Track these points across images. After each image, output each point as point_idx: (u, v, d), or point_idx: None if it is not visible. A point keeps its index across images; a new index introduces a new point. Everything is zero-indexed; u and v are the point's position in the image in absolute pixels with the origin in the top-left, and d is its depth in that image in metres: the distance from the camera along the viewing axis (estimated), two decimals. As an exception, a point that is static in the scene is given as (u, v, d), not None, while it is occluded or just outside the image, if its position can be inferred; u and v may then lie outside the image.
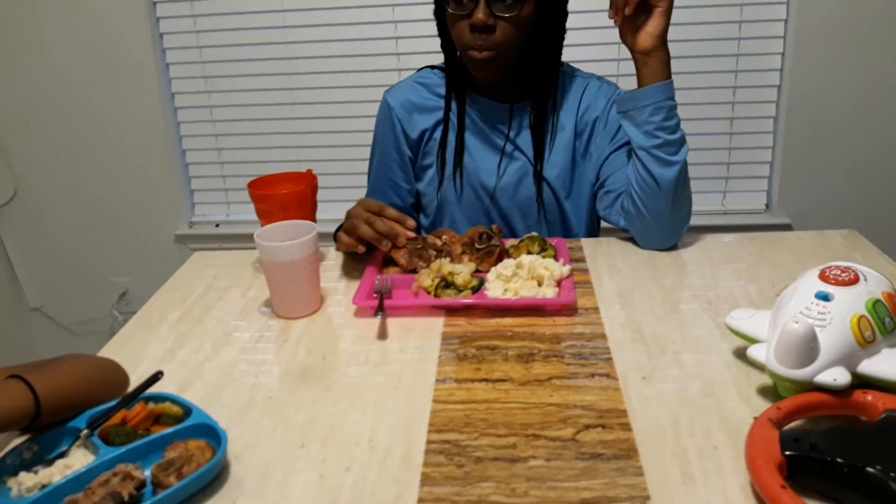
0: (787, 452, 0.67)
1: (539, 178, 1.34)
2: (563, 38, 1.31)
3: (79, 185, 2.44)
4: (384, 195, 1.41)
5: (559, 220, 1.39)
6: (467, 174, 1.36)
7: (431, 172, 1.39)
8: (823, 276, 0.82)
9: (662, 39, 1.18)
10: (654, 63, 1.19)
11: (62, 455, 0.76)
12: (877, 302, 0.79)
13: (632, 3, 1.14)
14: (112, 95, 2.33)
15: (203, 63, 2.31)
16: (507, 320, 1.03)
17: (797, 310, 0.80)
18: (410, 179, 1.42)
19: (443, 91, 1.36)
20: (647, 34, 1.17)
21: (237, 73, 2.31)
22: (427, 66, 1.43)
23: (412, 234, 1.15)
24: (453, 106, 1.35)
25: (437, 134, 1.37)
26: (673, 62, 2.23)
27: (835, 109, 2.15)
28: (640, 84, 1.22)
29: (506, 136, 1.34)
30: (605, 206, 1.33)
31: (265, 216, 1.19)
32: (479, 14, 1.16)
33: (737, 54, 2.15)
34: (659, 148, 1.19)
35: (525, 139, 1.34)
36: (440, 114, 1.36)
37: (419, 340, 1.00)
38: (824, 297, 0.79)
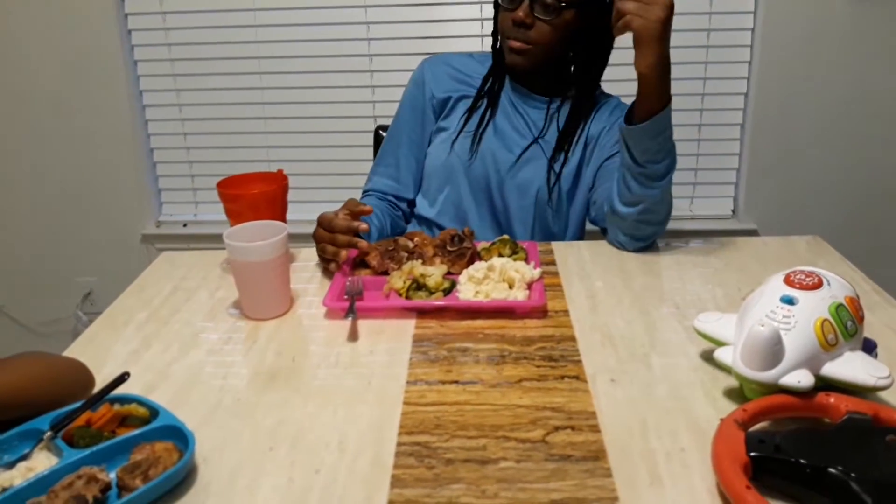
0: (753, 453, 0.68)
1: (551, 169, 1.38)
2: (603, 61, 1.39)
3: (43, 183, 2.40)
4: (393, 159, 1.48)
5: (552, 216, 1.41)
6: (485, 144, 1.39)
7: (444, 135, 1.43)
8: (788, 281, 0.84)
9: (650, 68, 1.13)
10: (646, 89, 1.16)
11: (24, 457, 0.74)
12: (839, 306, 0.80)
13: (617, 31, 1.14)
14: (79, 92, 2.29)
15: (172, 61, 2.28)
16: (479, 322, 1.04)
17: (763, 313, 0.81)
18: (421, 147, 1.46)
19: (479, 72, 1.44)
20: (638, 60, 1.14)
21: (206, 71, 2.29)
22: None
23: (365, 226, 1.16)
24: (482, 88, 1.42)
25: (462, 104, 1.43)
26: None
27: (801, 118, 2.19)
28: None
29: (530, 126, 1.41)
30: (594, 211, 1.39)
31: (235, 216, 1.18)
32: (520, 12, 1.27)
33: (705, 62, 2.19)
34: (640, 173, 1.21)
35: (549, 132, 1.39)
36: (471, 90, 1.43)
37: (390, 342, 1.00)
38: (789, 301, 0.81)
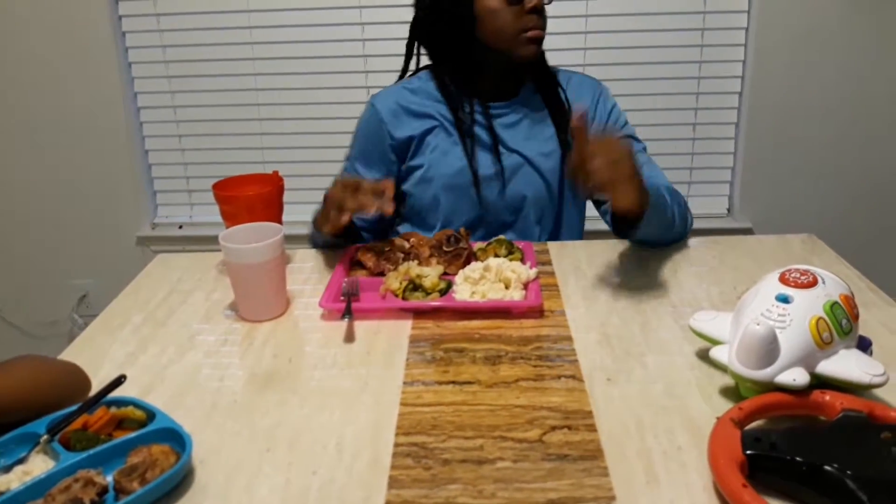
0: (749, 452, 0.68)
1: (564, 153, 1.37)
2: None
3: (38, 184, 2.39)
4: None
5: (551, 214, 1.40)
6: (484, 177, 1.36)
7: (420, 173, 1.37)
8: (783, 279, 0.84)
9: (635, 203, 1.08)
10: (628, 215, 1.14)
11: (21, 461, 0.74)
12: (834, 304, 0.81)
13: (595, 192, 1.09)
14: (73, 94, 2.28)
15: (166, 62, 2.28)
16: (475, 323, 1.04)
17: (758, 312, 0.81)
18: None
19: (428, 94, 1.38)
20: (619, 201, 1.07)
21: (201, 72, 2.28)
22: (410, 75, 1.43)
23: (391, 189, 1.11)
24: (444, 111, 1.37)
25: (431, 137, 1.36)
26: (638, 68, 2.29)
27: (795, 116, 2.20)
28: None
29: (493, 136, 1.36)
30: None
31: (230, 218, 1.17)
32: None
33: (699, 61, 2.19)
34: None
35: (516, 134, 1.37)
36: (431, 121, 1.36)
37: (387, 343, 1.00)
38: (784, 300, 0.81)
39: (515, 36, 1.29)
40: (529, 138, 1.38)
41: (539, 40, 1.30)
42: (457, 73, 1.37)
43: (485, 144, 1.36)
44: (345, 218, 1.13)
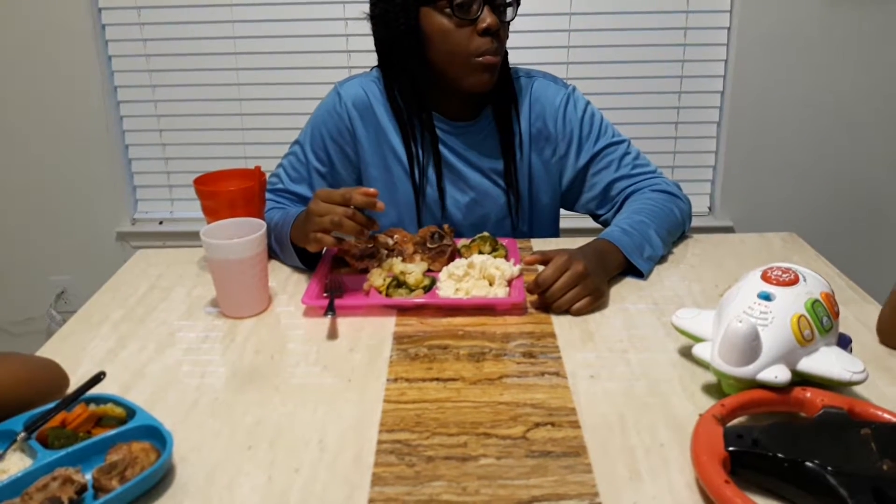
0: (731, 448, 0.69)
1: (509, 187, 1.32)
2: None
3: (16, 179, 2.35)
4: (302, 183, 1.33)
5: (515, 233, 1.37)
6: (429, 198, 1.31)
7: (379, 187, 1.28)
8: (765, 277, 0.84)
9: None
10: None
11: (-3, 459, 0.73)
12: (815, 302, 0.81)
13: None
14: (52, 87, 2.25)
15: (147, 56, 2.26)
16: (459, 320, 1.03)
17: (740, 309, 0.82)
18: (334, 179, 1.33)
19: (381, 104, 1.30)
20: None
21: (183, 66, 2.26)
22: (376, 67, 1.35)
23: (382, 205, 1.05)
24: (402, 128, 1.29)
25: (389, 154, 1.30)
26: (621, 67, 2.29)
27: (776, 116, 2.22)
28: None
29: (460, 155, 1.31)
30: (608, 209, 1.34)
31: (212, 213, 1.16)
32: (489, 18, 1.14)
33: (682, 60, 2.21)
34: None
35: (482, 154, 1.31)
36: (394, 140, 1.30)
37: (370, 340, 0.99)
38: (766, 297, 0.82)
39: (467, 60, 1.17)
40: (494, 156, 1.31)
41: (493, 68, 1.19)
42: (411, 90, 1.26)
43: (447, 164, 1.31)
44: (354, 238, 1.07)
